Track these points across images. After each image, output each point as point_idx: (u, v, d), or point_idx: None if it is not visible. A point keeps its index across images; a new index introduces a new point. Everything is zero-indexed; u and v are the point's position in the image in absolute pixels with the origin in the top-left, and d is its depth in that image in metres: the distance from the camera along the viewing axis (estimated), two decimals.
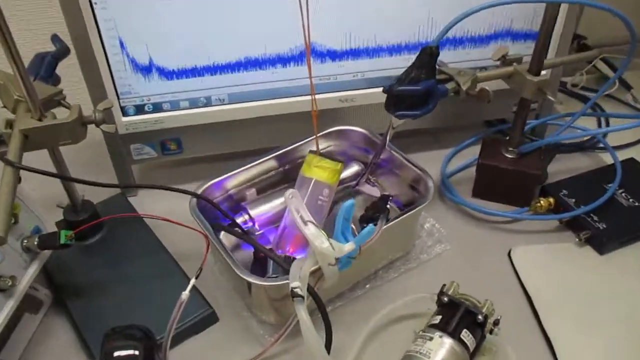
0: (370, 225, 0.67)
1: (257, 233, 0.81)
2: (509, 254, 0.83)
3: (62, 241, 0.66)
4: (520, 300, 0.77)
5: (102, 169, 0.93)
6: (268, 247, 0.75)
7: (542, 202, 0.88)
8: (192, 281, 0.63)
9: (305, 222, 0.65)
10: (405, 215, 0.74)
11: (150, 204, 0.91)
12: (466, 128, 1.06)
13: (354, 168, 0.88)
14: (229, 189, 0.81)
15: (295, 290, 0.60)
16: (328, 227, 0.67)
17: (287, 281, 0.63)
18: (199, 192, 0.77)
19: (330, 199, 0.76)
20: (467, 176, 0.98)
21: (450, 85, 0.78)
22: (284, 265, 0.65)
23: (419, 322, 0.71)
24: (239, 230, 0.76)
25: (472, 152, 1.01)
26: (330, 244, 0.63)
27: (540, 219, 0.87)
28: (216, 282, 0.79)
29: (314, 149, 0.86)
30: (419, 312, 0.74)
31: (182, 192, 0.74)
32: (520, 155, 0.89)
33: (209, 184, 0.78)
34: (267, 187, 0.85)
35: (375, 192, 0.86)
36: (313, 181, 0.75)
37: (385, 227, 0.71)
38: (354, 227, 0.68)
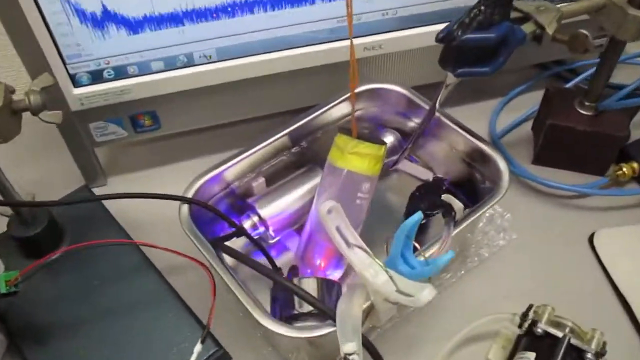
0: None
1: (271, 241, 0.61)
2: (589, 240, 0.66)
3: (3, 290, 0.46)
4: (615, 309, 0.60)
5: (55, 154, 0.71)
6: (286, 254, 0.56)
7: (624, 168, 0.69)
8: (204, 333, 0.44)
9: (350, 246, 0.46)
10: (477, 214, 0.54)
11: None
12: (511, 71, 0.85)
13: (387, 139, 0.68)
14: (230, 181, 0.61)
15: (350, 358, 0.42)
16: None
17: (328, 331, 0.45)
18: (192, 192, 0.56)
19: (371, 195, 0.56)
20: (521, 136, 0.78)
21: (528, 28, 0.56)
22: (321, 308, 0.46)
23: (491, 346, 0.55)
24: (252, 241, 0.57)
25: (523, 105, 0.81)
26: (390, 277, 0.44)
27: (628, 194, 0.69)
28: (224, 305, 0.60)
29: (339, 117, 0.65)
30: (490, 332, 0.57)
31: (168, 199, 0.54)
32: (598, 112, 0.69)
33: (204, 179, 0.57)
34: (279, 172, 0.64)
35: (422, 173, 0.67)
36: (347, 173, 0.54)
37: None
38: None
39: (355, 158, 0.54)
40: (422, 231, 0.62)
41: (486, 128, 0.79)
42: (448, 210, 0.54)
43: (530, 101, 0.80)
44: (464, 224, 0.53)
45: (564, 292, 0.60)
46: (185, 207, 0.55)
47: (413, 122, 0.67)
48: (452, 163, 0.65)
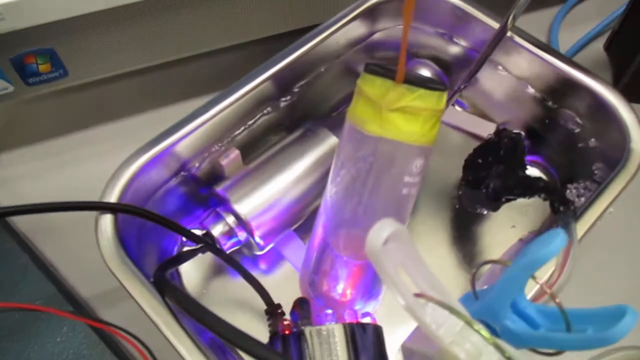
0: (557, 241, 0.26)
1: (258, 253, 0.39)
2: None
3: None
4: None
5: None
6: (284, 272, 0.34)
7: None
8: None
9: (422, 300, 0.24)
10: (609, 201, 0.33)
11: (16, 182, 0.46)
12: None
13: (422, 73, 0.45)
14: (185, 159, 0.37)
15: None
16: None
17: None
18: (120, 186, 0.33)
19: (422, 177, 0.34)
20: (590, 60, 0.56)
21: None
22: None
23: None
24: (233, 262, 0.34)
25: (588, 15, 0.58)
26: (508, 358, 0.23)
27: None
28: None
29: (353, 43, 0.42)
30: None
31: (72, 209, 0.30)
32: None
33: (140, 163, 0.34)
34: (261, 140, 0.41)
35: (477, 125, 0.44)
36: (386, 144, 0.31)
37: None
38: None
39: (401, 118, 0.30)
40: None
41: None
42: (561, 198, 0.32)
43: (601, 9, 0.57)
44: (591, 220, 0.31)
45: None
46: (106, 220, 0.31)
47: (459, 47, 0.44)
48: (515, 107, 0.43)
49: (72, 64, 0.43)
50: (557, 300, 0.25)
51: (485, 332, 0.23)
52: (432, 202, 0.43)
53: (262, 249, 0.38)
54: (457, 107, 0.46)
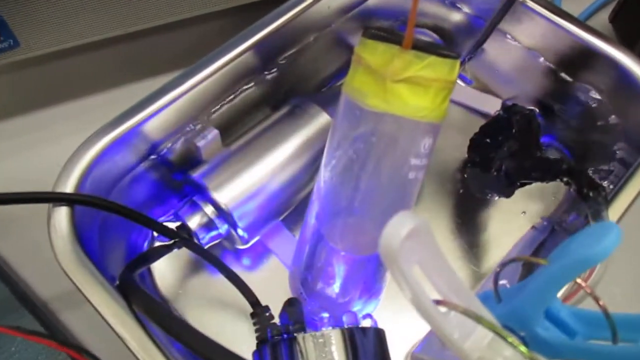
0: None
1: (242, 246, 0.34)
2: None
3: None
4: None
5: None
6: (269, 268, 0.30)
7: None
8: None
9: (444, 307, 0.20)
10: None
11: None
12: None
13: None
14: (156, 140, 0.32)
15: None
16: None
17: None
18: (77, 172, 0.28)
19: (429, 159, 0.29)
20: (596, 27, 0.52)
21: None
22: None
23: None
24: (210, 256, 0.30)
25: None
26: None
27: None
28: None
29: (346, 9, 0.37)
30: None
31: (31, 201, 0.25)
32: None
33: (100, 145, 0.29)
34: (243, 118, 0.36)
35: (483, 100, 0.40)
36: (391, 121, 0.27)
37: None
38: None
39: (409, 89, 0.26)
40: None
41: None
42: (589, 182, 0.28)
43: None
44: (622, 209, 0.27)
45: None
46: (61, 213, 0.26)
47: (462, 14, 0.40)
48: (532, 82, 0.39)
49: (23, 33, 0.37)
50: (601, 302, 0.21)
51: (521, 347, 0.19)
52: (433, 187, 0.38)
53: (245, 242, 0.33)
54: (459, 82, 0.42)
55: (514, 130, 0.34)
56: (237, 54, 0.32)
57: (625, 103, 0.34)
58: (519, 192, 0.35)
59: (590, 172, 0.35)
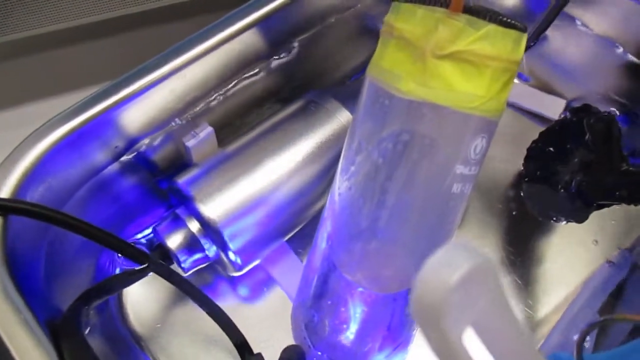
0: None
1: (236, 273, 0.27)
2: None
3: None
4: None
5: None
6: (271, 301, 0.23)
7: None
8: None
9: None
10: None
11: None
12: None
13: None
14: (130, 136, 0.26)
15: None
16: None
17: None
18: (12, 180, 0.21)
19: (480, 166, 0.22)
20: None
21: None
22: None
23: None
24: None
25: None
26: None
27: None
28: None
29: None
30: None
31: None
32: None
33: (51, 138, 0.22)
34: (244, 113, 0.30)
35: (544, 103, 0.33)
36: (430, 113, 0.20)
37: None
38: None
39: (457, 69, 0.19)
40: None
41: None
42: None
43: None
44: None
45: None
46: None
47: None
48: (606, 79, 0.31)
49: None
50: None
51: None
52: (478, 205, 0.31)
53: (239, 269, 0.26)
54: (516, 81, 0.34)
55: (587, 137, 0.26)
56: (237, 30, 0.26)
57: None
58: (590, 216, 0.27)
59: None
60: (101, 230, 0.21)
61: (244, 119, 0.30)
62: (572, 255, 0.29)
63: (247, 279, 0.29)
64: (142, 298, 0.28)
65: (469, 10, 0.19)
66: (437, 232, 0.22)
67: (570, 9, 0.30)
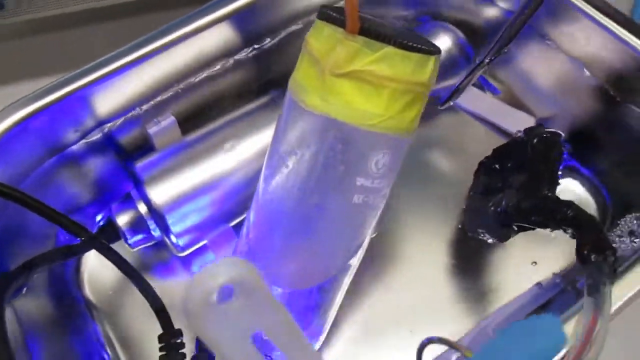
0: None
1: (178, 254, 0.30)
2: None
3: None
4: None
5: None
6: None
7: None
8: None
9: None
10: None
11: None
12: None
13: (441, 42, 0.33)
14: (96, 121, 0.28)
15: None
16: None
17: None
18: None
19: (392, 180, 0.23)
20: None
21: None
22: None
23: None
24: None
25: None
26: None
27: None
28: None
29: None
30: None
31: None
32: None
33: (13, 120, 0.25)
34: (211, 105, 0.32)
35: (508, 117, 0.33)
36: (330, 126, 0.21)
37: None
38: None
39: (354, 88, 0.20)
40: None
41: None
42: (595, 240, 0.20)
43: None
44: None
45: None
46: None
47: (497, 9, 0.32)
48: (575, 100, 0.31)
49: None
50: None
51: None
52: (429, 216, 0.32)
53: (181, 250, 0.29)
54: (485, 92, 0.34)
55: (527, 157, 0.26)
56: (206, 24, 0.28)
57: None
58: (531, 237, 0.27)
59: (628, 222, 0.27)
60: (41, 203, 0.24)
61: (209, 111, 0.32)
62: (511, 274, 0.30)
63: (199, 258, 0.31)
64: (99, 265, 0.31)
65: (366, 31, 0.19)
66: (343, 237, 0.23)
67: (543, 27, 0.30)
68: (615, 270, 0.19)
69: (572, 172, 0.32)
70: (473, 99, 0.34)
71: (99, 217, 0.31)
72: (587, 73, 0.29)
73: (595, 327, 0.18)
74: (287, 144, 0.22)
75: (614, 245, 0.20)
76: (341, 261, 0.24)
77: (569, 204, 0.22)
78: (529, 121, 0.33)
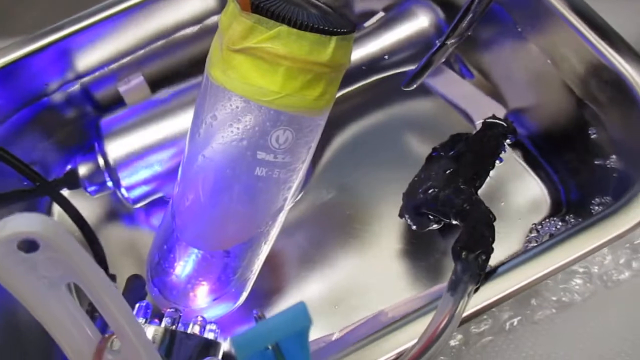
0: None
1: (136, 205, 0.31)
2: None
3: None
4: None
5: None
6: None
7: None
8: None
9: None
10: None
11: None
12: None
13: (419, 19, 0.32)
14: (70, 76, 0.31)
15: None
16: None
17: None
18: None
19: (299, 157, 0.23)
20: None
21: None
22: None
23: None
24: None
25: None
26: None
27: None
28: None
29: None
30: None
31: None
32: None
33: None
34: (178, 67, 0.33)
35: (479, 105, 0.32)
36: (230, 99, 0.22)
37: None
38: None
39: (250, 64, 0.20)
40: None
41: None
42: (471, 235, 0.20)
43: None
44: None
45: None
46: None
47: None
48: (546, 95, 0.29)
49: None
50: None
51: None
52: (385, 200, 0.31)
53: (133, 203, 0.31)
54: (453, 74, 0.33)
55: (470, 149, 0.26)
56: None
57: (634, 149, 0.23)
58: None
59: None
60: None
61: (180, 73, 0.33)
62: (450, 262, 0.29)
63: (160, 211, 0.33)
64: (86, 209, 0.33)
65: (262, 9, 0.20)
66: (252, 206, 0.24)
67: (516, 16, 0.28)
68: (482, 269, 0.19)
69: (537, 169, 0.30)
70: (448, 82, 0.33)
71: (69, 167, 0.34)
72: (558, 71, 0.27)
73: (442, 324, 0.18)
74: (199, 112, 0.23)
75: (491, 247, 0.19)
76: (253, 228, 0.25)
77: (472, 199, 0.22)
78: (499, 111, 0.31)
